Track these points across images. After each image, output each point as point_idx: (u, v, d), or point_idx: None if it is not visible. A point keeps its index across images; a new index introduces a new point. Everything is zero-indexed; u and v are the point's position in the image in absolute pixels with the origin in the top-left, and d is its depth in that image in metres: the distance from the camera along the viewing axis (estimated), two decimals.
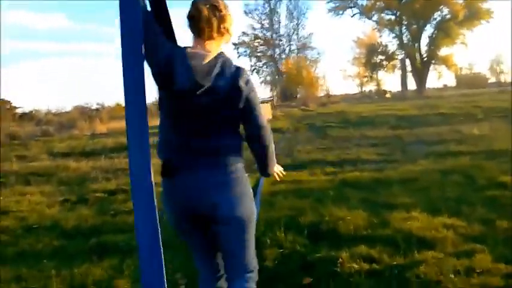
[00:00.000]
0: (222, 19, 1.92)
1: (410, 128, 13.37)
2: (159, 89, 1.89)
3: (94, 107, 34.12)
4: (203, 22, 1.88)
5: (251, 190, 2.06)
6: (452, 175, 6.04)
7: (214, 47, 1.93)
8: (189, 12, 1.91)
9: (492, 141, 9.03)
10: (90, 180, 7.82)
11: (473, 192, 5.05)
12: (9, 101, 34.02)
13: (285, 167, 7.03)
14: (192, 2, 1.92)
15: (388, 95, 48.00)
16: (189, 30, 1.94)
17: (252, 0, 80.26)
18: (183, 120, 1.90)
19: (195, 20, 1.89)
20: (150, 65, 1.85)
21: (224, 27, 1.94)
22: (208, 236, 2.05)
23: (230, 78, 1.87)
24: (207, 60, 1.86)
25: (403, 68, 53.11)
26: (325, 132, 14.02)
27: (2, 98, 34.30)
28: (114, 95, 58.79)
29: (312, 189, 5.79)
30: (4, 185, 7.84)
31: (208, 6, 1.88)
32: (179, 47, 1.91)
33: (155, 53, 1.83)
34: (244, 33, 57.04)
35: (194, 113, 1.87)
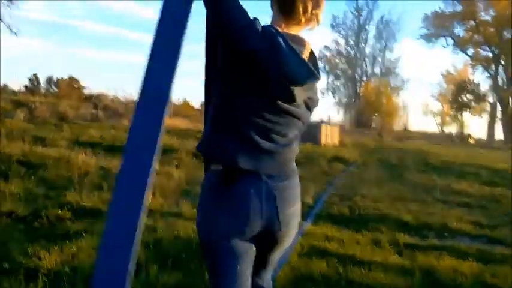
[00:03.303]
0: (316, 3, 1.58)
1: (508, 187, 10.47)
2: (248, 74, 1.47)
3: None
4: (299, 1, 1.55)
5: None
6: None
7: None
8: None
9: None
10: (71, 188, 5.83)
11: None
12: (77, 80, 33.88)
13: (339, 220, 3.84)
14: None
15: (471, 141, 43.85)
16: (274, 6, 1.63)
17: (340, 14, 76.58)
18: (272, 117, 1.52)
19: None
20: (242, 38, 1.40)
21: (316, 14, 1.60)
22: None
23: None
24: (305, 50, 1.57)
25: (493, 113, 48.88)
26: (401, 174, 11.40)
27: (72, 76, 34.39)
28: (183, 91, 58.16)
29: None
30: None
31: None
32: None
33: (253, 26, 1.42)
34: (326, 47, 54.66)
35: (286, 110, 1.53)
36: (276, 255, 1.73)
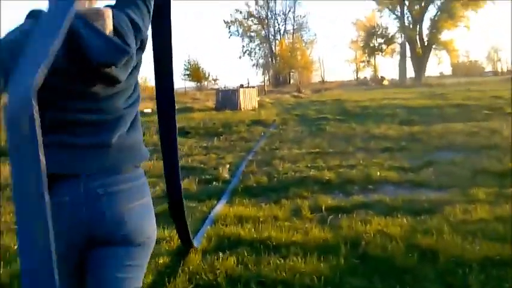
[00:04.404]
0: None
1: (426, 124, 10.48)
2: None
3: None
4: None
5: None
6: None
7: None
8: None
9: None
10: None
11: None
12: None
13: (257, 192, 4.85)
14: None
15: (385, 82, 45.30)
16: None
17: None
18: (90, 106, 1.33)
19: None
20: None
21: None
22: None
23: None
24: (105, 21, 1.28)
25: (403, 53, 50.92)
26: (320, 126, 11.08)
27: None
28: None
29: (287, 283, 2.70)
30: None
31: None
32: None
33: None
34: (237, 11, 53.98)
35: (108, 94, 1.34)
36: (121, 270, 1.37)
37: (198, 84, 38.42)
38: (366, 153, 7.28)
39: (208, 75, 39.58)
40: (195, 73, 38.24)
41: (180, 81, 39.41)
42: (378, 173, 5.64)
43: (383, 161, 6.49)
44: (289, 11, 55.66)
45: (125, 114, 1.37)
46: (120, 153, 1.35)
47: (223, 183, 5.67)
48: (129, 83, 1.38)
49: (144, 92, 24.51)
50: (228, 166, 6.50)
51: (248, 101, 18.69)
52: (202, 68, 38.96)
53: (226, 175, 6.05)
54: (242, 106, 17.81)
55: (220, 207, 4.42)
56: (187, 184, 5.49)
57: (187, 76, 38.87)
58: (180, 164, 6.97)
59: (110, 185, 1.31)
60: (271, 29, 55.87)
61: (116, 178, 1.33)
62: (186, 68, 38.73)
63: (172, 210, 2.70)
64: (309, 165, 6.44)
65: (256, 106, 18.90)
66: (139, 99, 1.45)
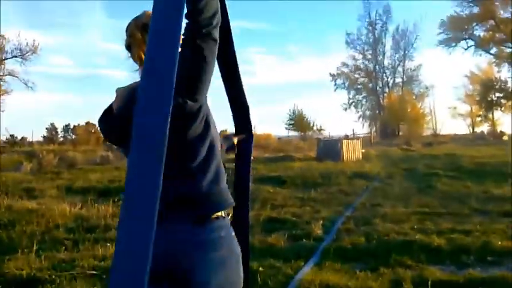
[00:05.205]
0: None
1: None
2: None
3: None
4: (138, 47, 1.54)
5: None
6: None
7: None
8: (126, 41, 1.59)
9: None
10: (30, 247, 4.87)
11: None
12: (94, 125, 33.51)
13: (351, 255, 4.01)
14: (126, 28, 1.60)
15: (505, 138, 41.58)
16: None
17: (354, 30, 75.89)
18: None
19: (132, 49, 1.58)
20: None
21: None
22: None
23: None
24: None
25: None
26: (429, 183, 10.09)
27: (88, 121, 34.13)
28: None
29: None
30: None
31: (139, 27, 1.54)
32: None
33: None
34: (343, 64, 53.54)
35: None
36: None
37: (302, 133, 38.26)
38: (483, 216, 6.33)
39: (313, 124, 39.30)
40: (299, 122, 38.27)
41: (285, 130, 39.74)
42: (499, 243, 4.75)
43: (505, 227, 5.54)
44: (399, 64, 54.19)
45: (193, 167, 1.42)
46: (184, 204, 1.41)
47: (315, 240, 5.14)
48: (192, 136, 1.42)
49: None
50: (321, 221, 5.96)
51: (351, 152, 18.01)
52: (307, 118, 38.88)
53: (319, 231, 5.52)
54: (345, 157, 17.16)
55: (306, 271, 3.90)
56: (275, 239, 5.06)
57: (291, 126, 39.03)
58: (271, 215, 6.57)
59: (183, 232, 1.38)
60: (379, 82, 54.78)
61: (189, 227, 1.39)
62: (290, 117, 38.97)
63: None
64: (415, 227, 5.67)
65: (361, 157, 18.13)
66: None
